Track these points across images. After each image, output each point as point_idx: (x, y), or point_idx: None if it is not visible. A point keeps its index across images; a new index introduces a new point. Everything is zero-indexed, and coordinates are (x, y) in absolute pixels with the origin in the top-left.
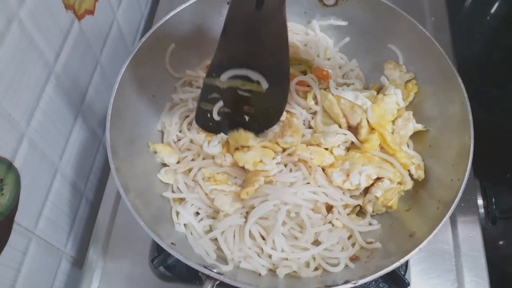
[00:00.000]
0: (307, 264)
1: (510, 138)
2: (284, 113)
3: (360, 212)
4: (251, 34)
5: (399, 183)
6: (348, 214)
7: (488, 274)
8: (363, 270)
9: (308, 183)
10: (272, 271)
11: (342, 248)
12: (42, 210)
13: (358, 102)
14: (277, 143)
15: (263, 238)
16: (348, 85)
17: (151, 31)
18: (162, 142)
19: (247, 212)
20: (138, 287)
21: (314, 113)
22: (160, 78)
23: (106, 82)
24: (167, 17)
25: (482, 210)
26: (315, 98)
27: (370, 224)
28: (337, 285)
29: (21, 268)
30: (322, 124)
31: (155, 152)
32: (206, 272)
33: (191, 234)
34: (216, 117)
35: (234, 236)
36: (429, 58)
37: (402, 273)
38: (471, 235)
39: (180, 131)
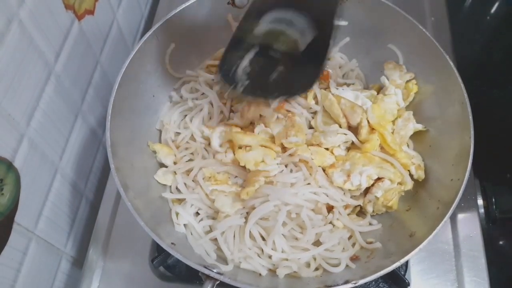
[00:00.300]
0: (308, 265)
1: (510, 138)
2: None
3: (360, 212)
4: None
5: (399, 183)
6: (348, 215)
7: (488, 274)
8: (363, 270)
9: (309, 183)
10: (272, 271)
11: (343, 248)
12: (42, 210)
13: (358, 102)
14: (281, 144)
15: (263, 239)
16: (348, 85)
17: (151, 31)
18: (160, 141)
19: (247, 213)
20: (138, 287)
21: (315, 113)
22: (160, 78)
23: (106, 82)
24: (167, 17)
25: (482, 210)
26: (315, 97)
27: (370, 224)
28: (338, 285)
29: (21, 268)
30: (323, 124)
31: (154, 152)
32: (206, 272)
33: (191, 234)
34: (246, 68)
35: (234, 236)
36: (429, 58)
37: (402, 273)
38: (471, 235)
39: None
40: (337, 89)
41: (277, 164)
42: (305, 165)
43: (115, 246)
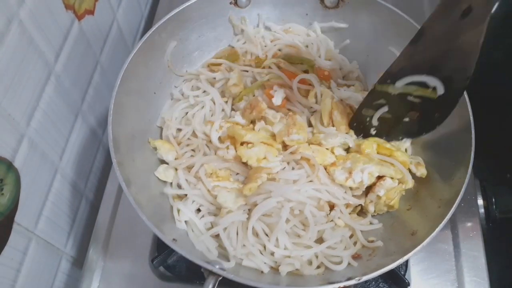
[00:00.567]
0: (310, 262)
1: (510, 138)
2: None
3: (361, 212)
4: (448, 41)
5: (401, 182)
6: (349, 214)
7: (488, 274)
8: (365, 268)
9: (311, 180)
10: (274, 269)
11: (345, 247)
12: (42, 210)
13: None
14: (282, 142)
15: (266, 235)
16: (348, 86)
17: (154, 27)
18: (161, 138)
19: (249, 209)
20: (138, 287)
21: (315, 111)
22: (161, 76)
23: (106, 82)
24: (170, 14)
25: (482, 210)
26: (315, 96)
27: (371, 223)
28: (341, 281)
29: (21, 268)
30: (320, 124)
31: (155, 148)
32: (209, 267)
33: (192, 231)
34: (375, 122)
35: (237, 232)
36: None
37: (402, 273)
38: (471, 235)
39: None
40: (338, 89)
41: (279, 161)
42: (307, 163)
43: (115, 246)
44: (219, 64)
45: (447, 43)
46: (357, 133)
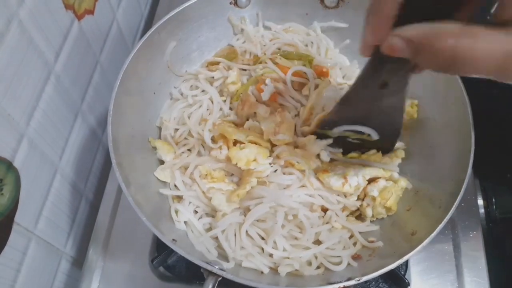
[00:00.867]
0: (309, 263)
1: (510, 138)
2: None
3: (360, 217)
4: (373, 104)
5: (394, 181)
6: (347, 216)
7: (488, 274)
8: (365, 268)
9: (304, 185)
10: (274, 270)
11: (344, 247)
12: (42, 210)
13: None
14: (269, 140)
15: (263, 239)
16: (349, 85)
17: (153, 28)
18: (160, 138)
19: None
20: (138, 287)
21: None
22: (161, 76)
23: (106, 82)
24: (170, 14)
25: (482, 210)
26: (310, 90)
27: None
28: (341, 281)
29: (21, 268)
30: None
31: (155, 148)
32: (209, 268)
33: (192, 232)
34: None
35: (235, 234)
36: None
37: (402, 273)
38: (471, 235)
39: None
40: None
41: (270, 164)
42: (293, 167)
43: (115, 246)
44: (218, 63)
45: (372, 105)
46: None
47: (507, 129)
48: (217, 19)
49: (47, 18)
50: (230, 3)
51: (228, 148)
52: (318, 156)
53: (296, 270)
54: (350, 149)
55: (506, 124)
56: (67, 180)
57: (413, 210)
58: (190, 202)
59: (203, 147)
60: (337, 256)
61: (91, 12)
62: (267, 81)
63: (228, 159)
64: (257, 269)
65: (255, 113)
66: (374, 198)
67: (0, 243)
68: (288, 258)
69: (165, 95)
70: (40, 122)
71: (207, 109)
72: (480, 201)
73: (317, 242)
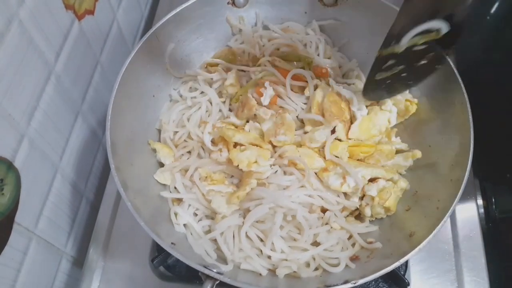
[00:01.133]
0: (307, 264)
1: (510, 138)
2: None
3: (359, 217)
4: None
5: (394, 182)
6: (346, 217)
7: (488, 274)
8: (363, 270)
9: (303, 186)
10: (272, 271)
11: (342, 248)
12: (42, 210)
13: (354, 107)
14: (270, 142)
15: (261, 240)
16: (349, 84)
17: (151, 31)
18: (159, 140)
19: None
20: (138, 287)
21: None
22: (160, 78)
23: (106, 82)
24: (167, 17)
25: (482, 210)
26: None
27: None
28: (337, 285)
29: (21, 268)
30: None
31: (155, 150)
32: (206, 272)
33: (191, 234)
34: (389, 82)
35: (233, 236)
36: None
37: (402, 273)
38: (471, 235)
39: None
40: (338, 85)
41: (270, 165)
42: (295, 167)
43: (115, 246)
44: (217, 65)
45: None
46: (373, 98)
47: (506, 129)
48: (215, 19)
49: (48, 18)
50: (228, 3)
51: (228, 150)
52: (319, 154)
53: (294, 271)
54: (413, 68)
55: (506, 124)
56: (67, 180)
57: (412, 210)
58: (189, 205)
59: (203, 149)
60: (335, 258)
61: (91, 12)
62: (266, 84)
63: (229, 161)
64: (256, 271)
65: (255, 115)
66: (372, 198)
67: (0, 243)
68: (286, 260)
69: (164, 97)
70: (40, 122)
71: (206, 111)
72: (480, 201)
73: (316, 243)
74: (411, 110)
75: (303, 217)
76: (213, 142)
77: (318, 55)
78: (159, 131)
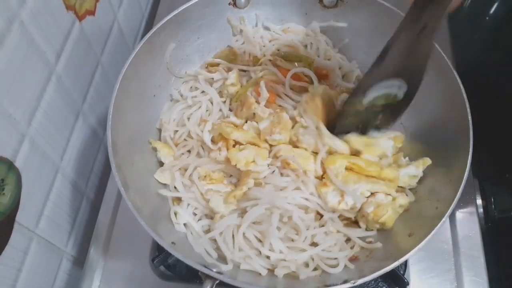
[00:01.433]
0: (306, 264)
1: (510, 138)
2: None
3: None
4: (407, 54)
5: (393, 198)
6: (344, 220)
7: (487, 273)
8: (362, 270)
9: (298, 188)
10: (272, 271)
11: (340, 248)
12: (43, 209)
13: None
14: (265, 140)
15: (260, 241)
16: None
17: (152, 31)
18: (160, 140)
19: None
20: (139, 286)
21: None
22: (161, 78)
23: (107, 82)
24: (168, 17)
25: (481, 210)
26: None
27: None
28: (336, 284)
29: (22, 267)
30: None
31: (155, 149)
32: (206, 271)
33: (191, 234)
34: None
35: (233, 236)
36: None
37: (402, 272)
38: (470, 235)
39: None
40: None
41: (268, 165)
42: (289, 167)
43: (116, 246)
44: (217, 65)
45: (407, 54)
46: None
47: (506, 129)
48: (216, 20)
49: (48, 19)
50: (229, 3)
51: (228, 149)
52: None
53: (293, 272)
54: (370, 125)
55: (505, 124)
56: (68, 180)
57: (411, 210)
58: (188, 204)
59: (203, 148)
60: (334, 258)
61: (92, 12)
62: (262, 85)
63: (228, 160)
64: (255, 271)
65: (254, 114)
66: (367, 213)
67: (1, 243)
68: (285, 260)
69: (165, 97)
70: (41, 122)
71: (206, 110)
72: (479, 201)
73: (315, 244)
74: (398, 145)
75: (299, 218)
76: (212, 141)
77: (319, 56)
78: (160, 130)
